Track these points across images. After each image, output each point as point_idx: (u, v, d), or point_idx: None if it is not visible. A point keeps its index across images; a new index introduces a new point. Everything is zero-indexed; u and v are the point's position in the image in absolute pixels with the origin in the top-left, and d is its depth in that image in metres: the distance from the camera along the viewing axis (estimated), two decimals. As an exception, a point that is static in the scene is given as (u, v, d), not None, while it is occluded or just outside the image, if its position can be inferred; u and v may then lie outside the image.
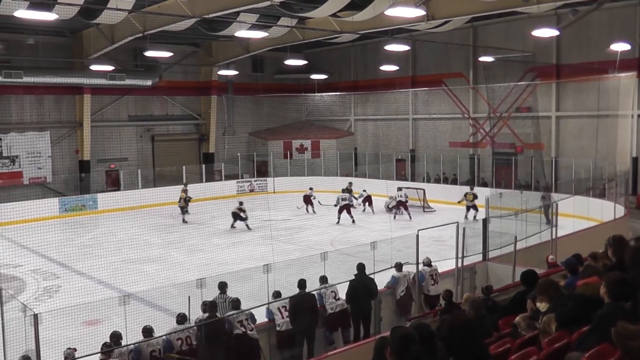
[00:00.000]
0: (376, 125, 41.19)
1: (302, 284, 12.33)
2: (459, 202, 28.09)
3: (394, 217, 28.59)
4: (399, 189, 30.09)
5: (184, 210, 29.28)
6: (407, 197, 29.30)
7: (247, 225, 26.97)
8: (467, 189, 28.82)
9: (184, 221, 28.85)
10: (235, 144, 41.43)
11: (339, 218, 27.73)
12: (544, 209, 23.10)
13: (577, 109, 30.62)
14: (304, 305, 11.97)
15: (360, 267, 12.98)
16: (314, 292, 12.43)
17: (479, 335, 4.91)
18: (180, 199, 29.47)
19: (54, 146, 34.20)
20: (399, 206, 29.06)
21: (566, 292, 6.84)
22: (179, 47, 36.38)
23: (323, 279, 12.78)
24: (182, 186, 30.80)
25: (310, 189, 31.48)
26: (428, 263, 14.25)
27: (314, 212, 30.70)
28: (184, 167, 35.79)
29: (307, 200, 31.12)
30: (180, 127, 40.42)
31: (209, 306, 11.35)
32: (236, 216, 27.11)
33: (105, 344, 9.96)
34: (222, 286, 13.33)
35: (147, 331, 10.66)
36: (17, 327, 9.81)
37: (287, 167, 39.55)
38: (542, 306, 6.41)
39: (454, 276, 14.49)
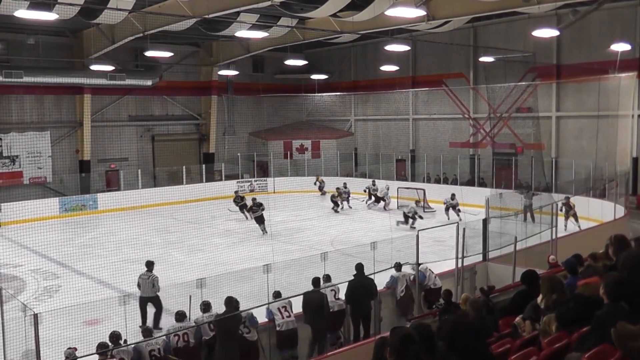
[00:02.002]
0: (376, 125, 41.19)
1: (316, 282, 12.50)
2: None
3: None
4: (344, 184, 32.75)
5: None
6: (349, 193, 32.14)
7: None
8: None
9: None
10: (235, 144, 41.43)
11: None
12: (528, 208, 23.42)
13: (578, 109, 30.63)
14: (315, 303, 12.10)
15: (359, 267, 12.97)
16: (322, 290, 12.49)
17: (482, 336, 4.91)
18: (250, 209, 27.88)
19: (54, 146, 34.20)
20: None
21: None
22: (180, 47, 36.39)
23: (326, 278, 12.79)
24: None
25: (344, 185, 32.57)
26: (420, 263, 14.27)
27: (350, 207, 31.73)
28: (184, 167, 35.83)
29: (342, 197, 31.97)
30: (180, 127, 40.43)
31: (225, 303, 11.39)
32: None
33: (100, 344, 9.95)
34: (149, 264, 14.13)
35: (147, 331, 10.68)
36: (17, 327, 9.81)
37: (288, 167, 39.58)
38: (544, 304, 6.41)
39: (454, 276, 14.49)
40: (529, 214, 23.26)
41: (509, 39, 31.59)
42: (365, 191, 32.71)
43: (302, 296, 12.24)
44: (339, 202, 31.29)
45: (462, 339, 4.53)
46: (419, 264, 14.14)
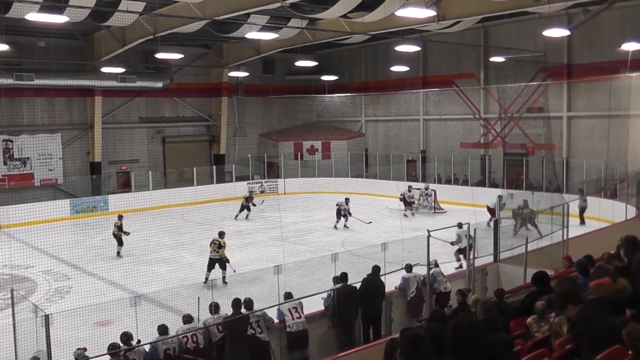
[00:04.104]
0: (387, 126, 41.15)
1: (344, 276, 12.57)
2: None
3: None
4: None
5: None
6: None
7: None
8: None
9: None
10: (246, 145, 41.49)
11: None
12: (580, 210, 24.57)
13: (589, 109, 30.48)
14: (346, 297, 12.25)
15: (375, 269, 12.99)
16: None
17: (486, 337, 4.87)
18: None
19: (65, 148, 34.31)
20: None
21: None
22: (190, 49, 36.44)
23: (338, 278, 12.76)
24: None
25: (347, 201, 27.94)
26: (435, 264, 14.19)
27: (346, 226, 27.33)
28: (194, 168, 35.89)
29: (338, 213, 27.57)
30: (191, 128, 40.51)
31: (233, 304, 11.41)
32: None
33: (111, 345, 9.98)
34: None
35: (163, 329, 10.72)
36: (29, 328, 9.85)
37: (298, 168, 39.58)
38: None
39: (465, 277, 14.45)
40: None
41: (519, 38, 31.47)
42: (401, 198, 30.52)
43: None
44: (340, 217, 27.37)
45: (465, 340, 4.50)
46: (430, 266, 14.11)
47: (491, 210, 26.11)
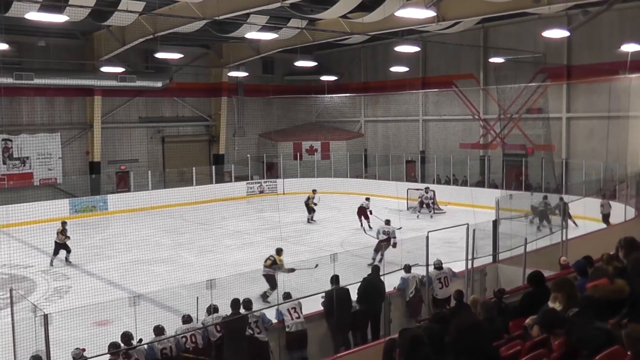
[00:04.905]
0: (386, 126, 41.15)
1: (336, 279, 12.51)
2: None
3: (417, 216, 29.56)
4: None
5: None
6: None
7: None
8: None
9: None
10: (245, 145, 41.49)
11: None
12: (604, 217, 24.49)
13: (588, 110, 30.49)
14: (340, 299, 12.20)
15: (375, 268, 12.98)
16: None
17: (487, 337, 4.89)
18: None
19: (65, 147, 34.29)
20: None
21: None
22: (190, 48, 36.43)
23: (334, 279, 12.75)
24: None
25: (367, 199, 27.43)
26: (438, 266, 14.11)
27: (370, 227, 25.87)
28: (193, 168, 35.89)
29: (362, 213, 26.68)
30: (190, 128, 40.51)
31: (232, 304, 11.42)
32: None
33: (111, 344, 9.98)
34: None
35: (158, 329, 10.72)
36: (28, 328, 9.84)
37: (297, 169, 39.57)
38: (556, 306, 6.37)
39: (464, 278, 14.44)
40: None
41: (519, 39, 31.48)
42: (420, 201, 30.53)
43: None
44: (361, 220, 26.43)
45: (467, 339, 4.51)
46: (434, 266, 14.09)
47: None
